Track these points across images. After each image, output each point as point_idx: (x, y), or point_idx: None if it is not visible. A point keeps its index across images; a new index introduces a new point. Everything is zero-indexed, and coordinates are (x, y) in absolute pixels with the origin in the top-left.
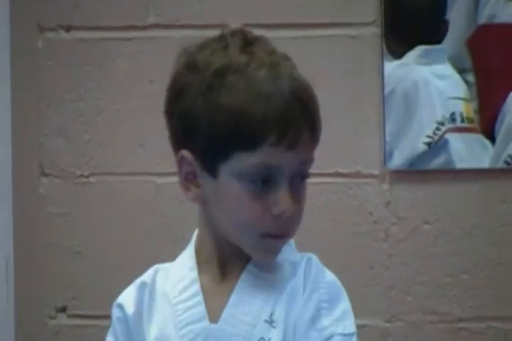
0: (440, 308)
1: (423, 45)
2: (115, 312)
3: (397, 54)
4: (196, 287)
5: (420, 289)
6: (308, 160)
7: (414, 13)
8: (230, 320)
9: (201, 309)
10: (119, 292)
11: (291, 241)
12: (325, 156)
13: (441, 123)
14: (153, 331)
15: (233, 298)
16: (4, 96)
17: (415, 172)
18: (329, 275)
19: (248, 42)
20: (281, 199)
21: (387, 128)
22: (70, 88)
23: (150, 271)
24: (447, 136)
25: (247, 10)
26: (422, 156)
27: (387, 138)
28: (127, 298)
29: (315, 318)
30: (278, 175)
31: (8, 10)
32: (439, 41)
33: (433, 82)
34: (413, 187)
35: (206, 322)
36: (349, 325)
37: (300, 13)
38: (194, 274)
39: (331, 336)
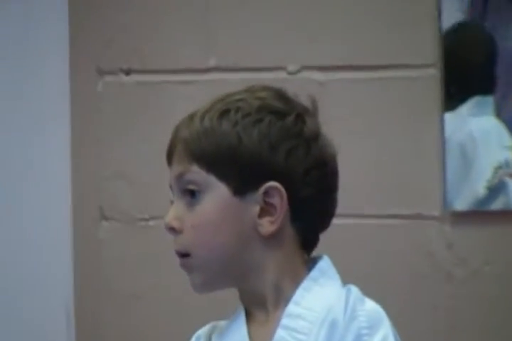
0: None
1: (477, 96)
2: None
3: (451, 107)
4: (242, 335)
5: (482, 331)
6: (182, 174)
7: (471, 60)
8: None
9: None
10: (177, 337)
11: (336, 275)
12: (385, 198)
13: (499, 167)
14: None
15: (276, 337)
16: (64, 140)
17: (476, 213)
18: (369, 304)
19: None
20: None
21: (448, 177)
22: (129, 131)
23: (207, 327)
24: (506, 179)
25: (305, 52)
26: (483, 199)
27: (447, 184)
28: None
29: None
30: (173, 193)
31: (68, 53)
32: (490, 92)
33: (486, 132)
34: (474, 229)
35: None
36: None
37: (358, 54)
38: (241, 323)
39: None
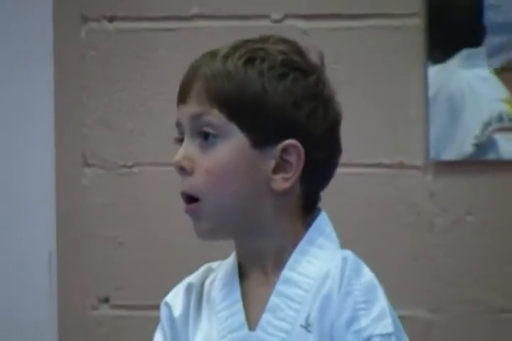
0: (484, 299)
1: (466, 49)
2: (163, 311)
3: (438, 59)
4: (236, 295)
5: (464, 280)
6: (199, 115)
7: (457, 12)
8: (266, 327)
9: (240, 317)
10: (161, 283)
11: (333, 234)
12: (368, 147)
13: (489, 124)
14: (198, 337)
15: (270, 303)
16: (47, 87)
17: (458, 163)
18: (365, 275)
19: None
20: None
21: (432, 129)
22: (112, 78)
23: (200, 272)
24: (495, 136)
25: (288, 0)
26: (468, 152)
27: (432, 137)
28: (175, 299)
29: (352, 320)
30: (183, 132)
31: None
32: (479, 43)
33: (477, 85)
34: (456, 179)
35: (245, 330)
36: (388, 325)
37: (342, 3)
38: (235, 280)
39: (370, 337)
